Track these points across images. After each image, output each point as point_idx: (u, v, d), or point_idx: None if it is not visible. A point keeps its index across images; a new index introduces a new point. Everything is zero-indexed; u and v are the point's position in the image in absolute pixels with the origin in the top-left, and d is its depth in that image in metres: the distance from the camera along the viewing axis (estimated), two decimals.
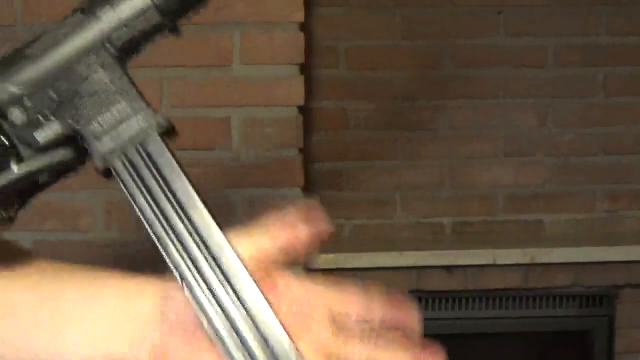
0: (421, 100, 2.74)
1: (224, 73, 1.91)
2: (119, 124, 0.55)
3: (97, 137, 0.54)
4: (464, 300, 2.66)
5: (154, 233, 0.55)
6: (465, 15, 2.71)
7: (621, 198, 2.82)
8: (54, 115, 0.54)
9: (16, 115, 0.54)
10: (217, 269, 0.54)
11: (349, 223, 2.78)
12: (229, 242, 0.54)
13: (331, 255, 2.55)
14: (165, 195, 0.55)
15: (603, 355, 2.71)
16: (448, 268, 2.61)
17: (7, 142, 0.54)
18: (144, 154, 0.56)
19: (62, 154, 0.55)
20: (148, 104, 0.56)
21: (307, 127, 2.53)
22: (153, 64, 1.88)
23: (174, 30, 0.58)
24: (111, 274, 0.61)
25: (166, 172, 0.56)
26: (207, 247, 0.54)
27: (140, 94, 0.56)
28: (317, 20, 2.68)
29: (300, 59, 1.92)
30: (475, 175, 2.79)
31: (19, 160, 0.55)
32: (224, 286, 0.54)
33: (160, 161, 0.57)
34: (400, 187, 2.78)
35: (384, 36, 2.73)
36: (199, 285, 0.54)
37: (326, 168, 2.76)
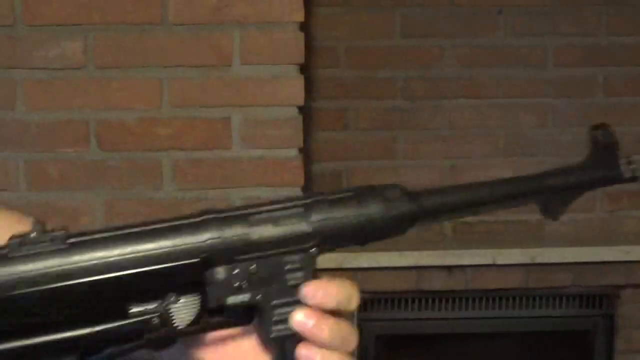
0: (421, 100, 2.73)
1: (224, 73, 1.90)
2: None
3: (275, 323, 0.62)
4: (464, 300, 2.66)
5: None
6: (465, 15, 2.71)
7: (621, 198, 2.82)
8: (248, 287, 0.61)
9: (221, 273, 0.61)
10: None
11: None
12: None
13: (331, 255, 2.55)
14: None
15: (603, 355, 2.71)
16: (448, 268, 2.61)
17: (199, 297, 0.61)
18: None
19: (232, 322, 0.63)
20: None
21: (307, 127, 2.53)
22: (153, 64, 1.88)
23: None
24: None
25: None
26: None
27: None
28: (317, 20, 2.68)
29: (300, 59, 1.92)
30: (475, 175, 2.79)
31: (203, 310, 0.61)
32: None
33: None
34: None
35: (384, 36, 2.73)
36: None
37: (326, 168, 2.76)
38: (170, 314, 0.60)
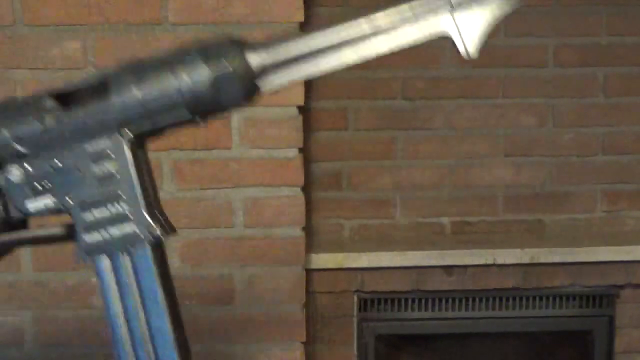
0: (421, 100, 2.73)
1: None
2: (113, 224, 0.48)
3: (87, 229, 0.49)
4: (464, 300, 2.66)
5: (112, 328, 0.54)
6: None
7: (621, 198, 2.82)
8: (51, 187, 0.48)
9: (15, 174, 0.49)
10: None
11: (349, 223, 2.78)
12: None
13: (331, 255, 2.55)
14: (140, 305, 0.52)
15: (603, 355, 2.71)
16: (448, 268, 2.61)
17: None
18: (128, 261, 0.51)
19: (48, 232, 0.52)
20: (148, 205, 0.49)
21: (307, 127, 2.53)
22: None
23: (195, 123, 0.58)
24: None
25: (145, 284, 0.52)
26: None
27: (144, 190, 0.49)
28: (317, 20, 2.68)
29: None
30: (475, 175, 2.79)
31: (5, 225, 0.51)
32: None
33: (142, 274, 0.52)
34: (400, 187, 2.78)
35: None
36: None
37: (326, 168, 2.76)
38: None
